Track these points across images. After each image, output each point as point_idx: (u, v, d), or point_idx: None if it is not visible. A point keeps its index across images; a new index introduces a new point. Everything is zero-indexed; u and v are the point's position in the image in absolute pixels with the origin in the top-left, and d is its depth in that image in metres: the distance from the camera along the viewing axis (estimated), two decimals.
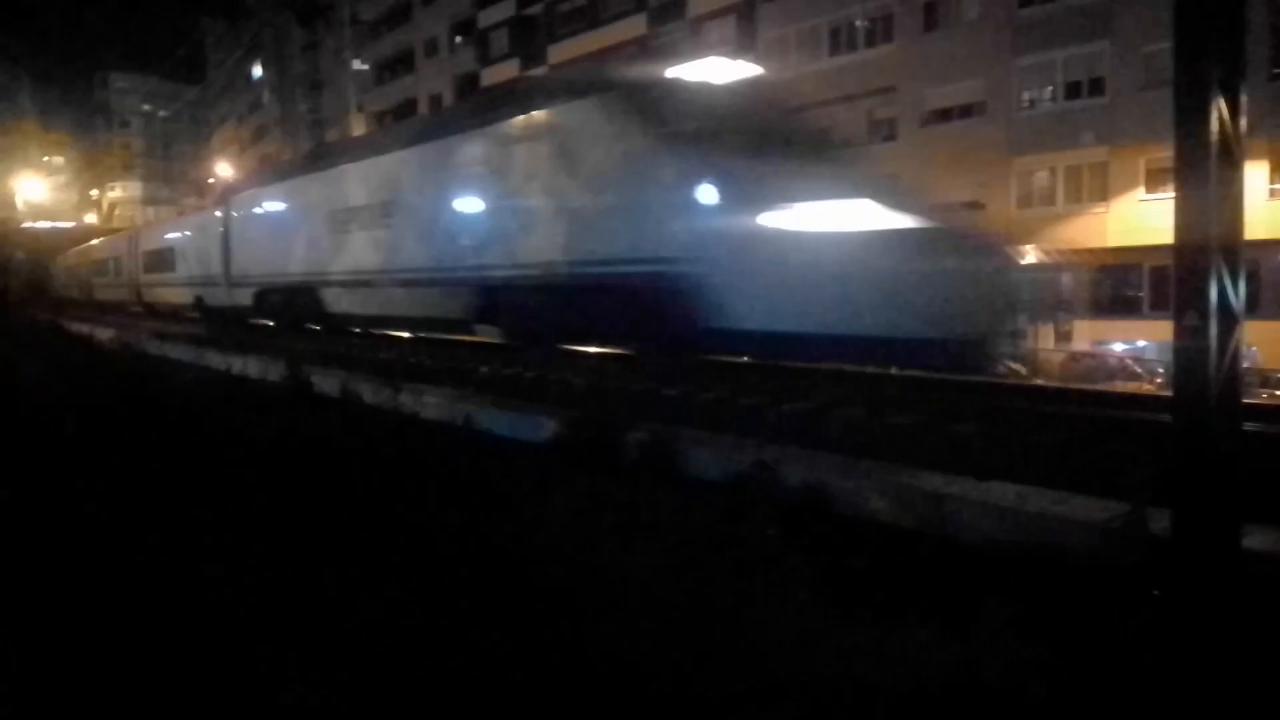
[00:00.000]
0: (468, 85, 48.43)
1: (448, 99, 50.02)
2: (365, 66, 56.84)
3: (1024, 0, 25.19)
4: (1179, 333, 3.81)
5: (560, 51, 42.76)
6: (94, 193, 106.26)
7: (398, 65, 54.80)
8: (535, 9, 44.23)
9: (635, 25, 38.68)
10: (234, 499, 5.19)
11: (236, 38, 77.77)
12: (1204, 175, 3.73)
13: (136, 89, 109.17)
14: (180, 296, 26.79)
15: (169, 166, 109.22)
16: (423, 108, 51.82)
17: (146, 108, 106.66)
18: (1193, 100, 3.76)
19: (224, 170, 66.39)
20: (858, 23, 29.30)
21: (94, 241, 45.05)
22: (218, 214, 22.33)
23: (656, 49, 37.86)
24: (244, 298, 20.15)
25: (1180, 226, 3.83)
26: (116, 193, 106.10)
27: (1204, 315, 3.73)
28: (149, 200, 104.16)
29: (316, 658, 3.20)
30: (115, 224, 76.68)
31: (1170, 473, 3.87)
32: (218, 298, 22.29)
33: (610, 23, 39.91)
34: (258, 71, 74.20)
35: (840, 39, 29.72)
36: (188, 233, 26.42)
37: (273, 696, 2.98)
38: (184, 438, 7.15)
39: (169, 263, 27.86)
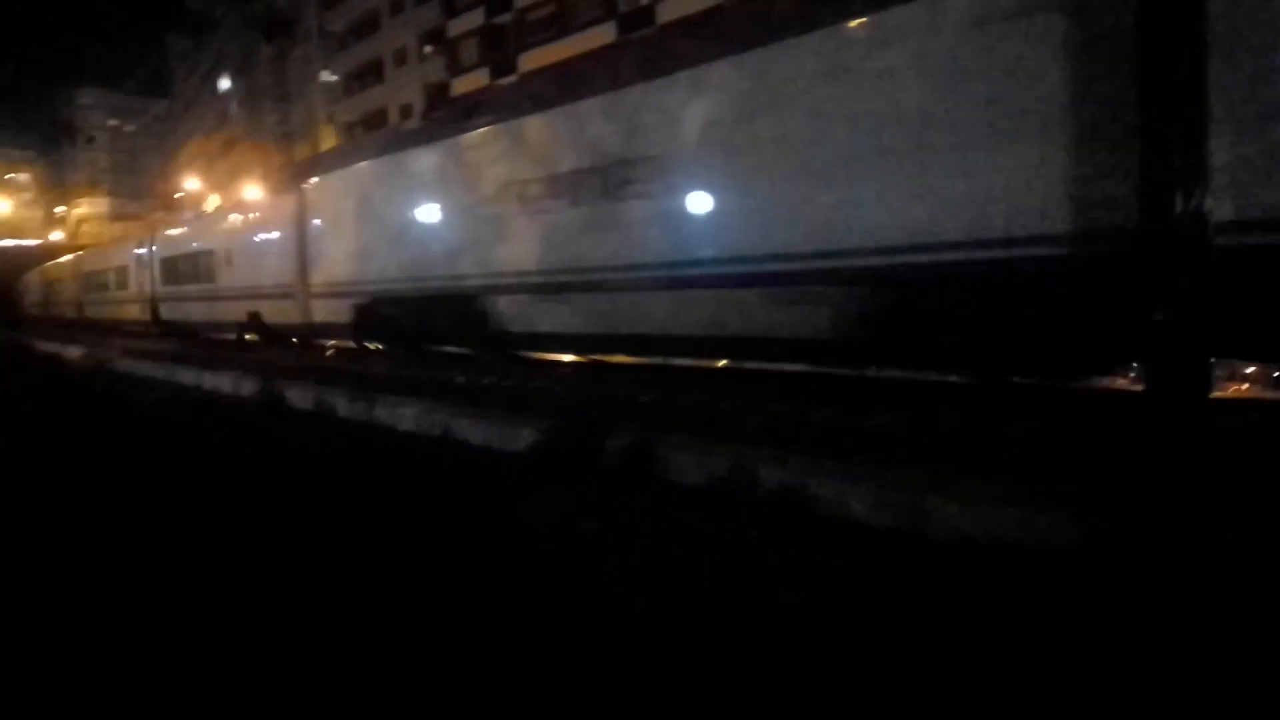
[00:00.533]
0: (438, 95, 48.32)
1: (418, 109, 49.88)
2: (334, 78, 56.54)
3: None
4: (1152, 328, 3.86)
5: (530, 60, 42.74)
6: (60, 209, 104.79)
7: (367, 76, 54.55)
8: (504, 18, 44.21)
9: (604, 34, 38.74)
10: (200, 518, 5.12)
11: (203, 51, 77.14)
12: None
13: (102, 104, 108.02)
14: (220, 313, 21.28)
15: (136, 182, 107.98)
16: (393, 118, 51.63)
17: (113, 123, 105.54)
18: None
19: (191, 184, 65.77)
20: None
21: (83, 251, 40.94)
22: (287, 203, 17.44)
23: None
24: (332, 312, 15.56)
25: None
26: (83, 209, 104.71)
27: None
28: (116, 216, 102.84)
29: (293, 674, 3.16)
30: (82, 241, 75.64)
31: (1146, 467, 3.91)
32: (285, 313, 17.53)
33: (580, 31, 39.96)
34: (225, 84, 73.56)
35: None
36: (235, 230, 20.63)
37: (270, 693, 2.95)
38: (152, 454, 7.06)
39: (202, 270, 22.14)
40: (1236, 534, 3.70)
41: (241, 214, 21.19)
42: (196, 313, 22.99)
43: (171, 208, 64.65)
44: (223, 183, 63.88)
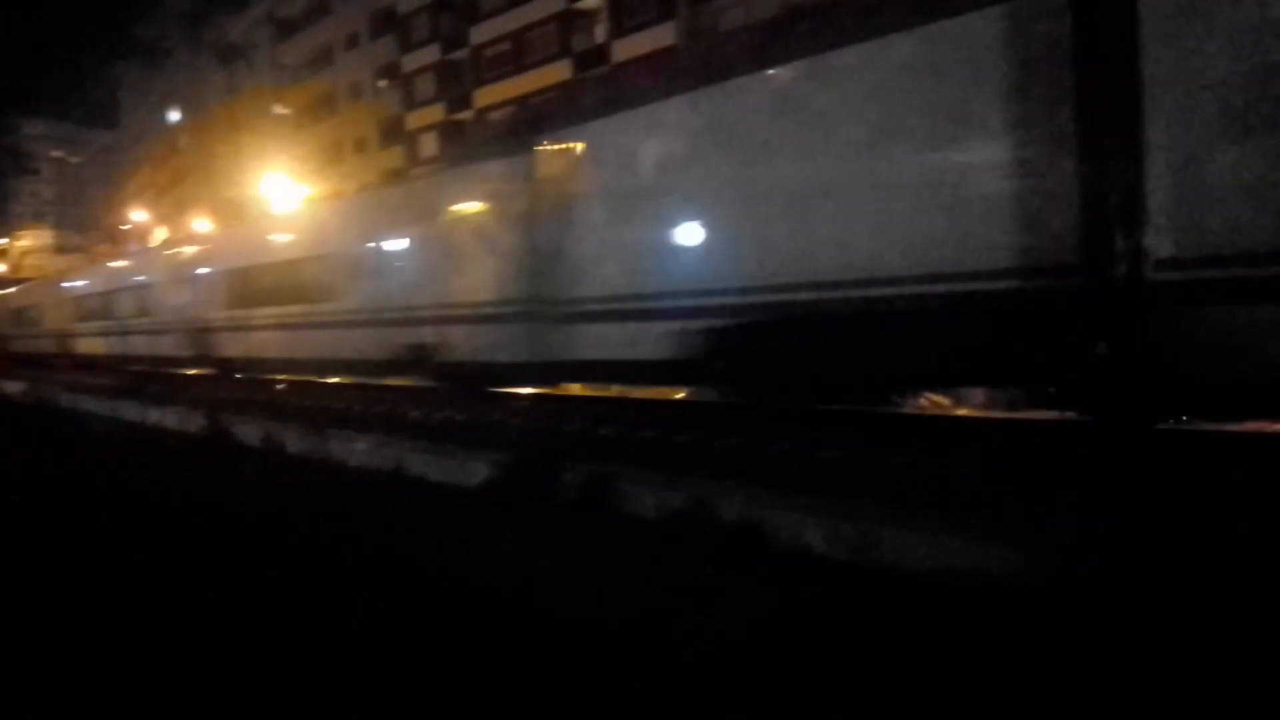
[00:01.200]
0: (393, 129, 48.28)
1: (372, 142, 49.77)
2: (287, 111, 56.21)
3: None
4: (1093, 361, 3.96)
5: (486, 95, 42.93)
6: (1, 241, 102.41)
7: (319, 109, 54.33)
8: (460, 54, 44.40)
9: (560, 70, 39.07)
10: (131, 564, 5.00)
11: (152, 81, 76.26)
12: None
13: (48, 135, 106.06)
14: (336, 345, 16.23)
15: (82, 214, 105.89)
16: (346, 150, 51.46)
17: (58, 154, 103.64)
18: None
19: (139, 216, 64.68)
20: None
21: (57, 274, 38.39)
22: (497, 172, 12.28)
23: None
24: (626, 341, 10.63)
25: None
26: (26, 241, 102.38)
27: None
28: (61, 249, 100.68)
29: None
30: (25, 274, 73.85)
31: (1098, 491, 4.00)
32: (510, 345, 12.15)
33: (535, 67, 40.26)
34: (174, 115, 72.72)
35: None
36: (369, 227, 15.55)
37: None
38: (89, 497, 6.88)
39: (302, 287, 16.91)
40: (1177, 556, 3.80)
41: (374, 203, 16.96)
42: (276, 347, 18.11)
43: (118, 240, 63.46)
44: (171, 215, 62.96)
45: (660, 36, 34.46)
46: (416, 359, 14.20)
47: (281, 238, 19.32)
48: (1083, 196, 6.76)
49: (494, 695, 3.13)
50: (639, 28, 35.38)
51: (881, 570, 4.35)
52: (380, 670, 3.35)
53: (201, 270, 21.95)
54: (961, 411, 9.77)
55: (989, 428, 8.56)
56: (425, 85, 46.89)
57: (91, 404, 15.84)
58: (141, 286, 25.63)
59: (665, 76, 11.34)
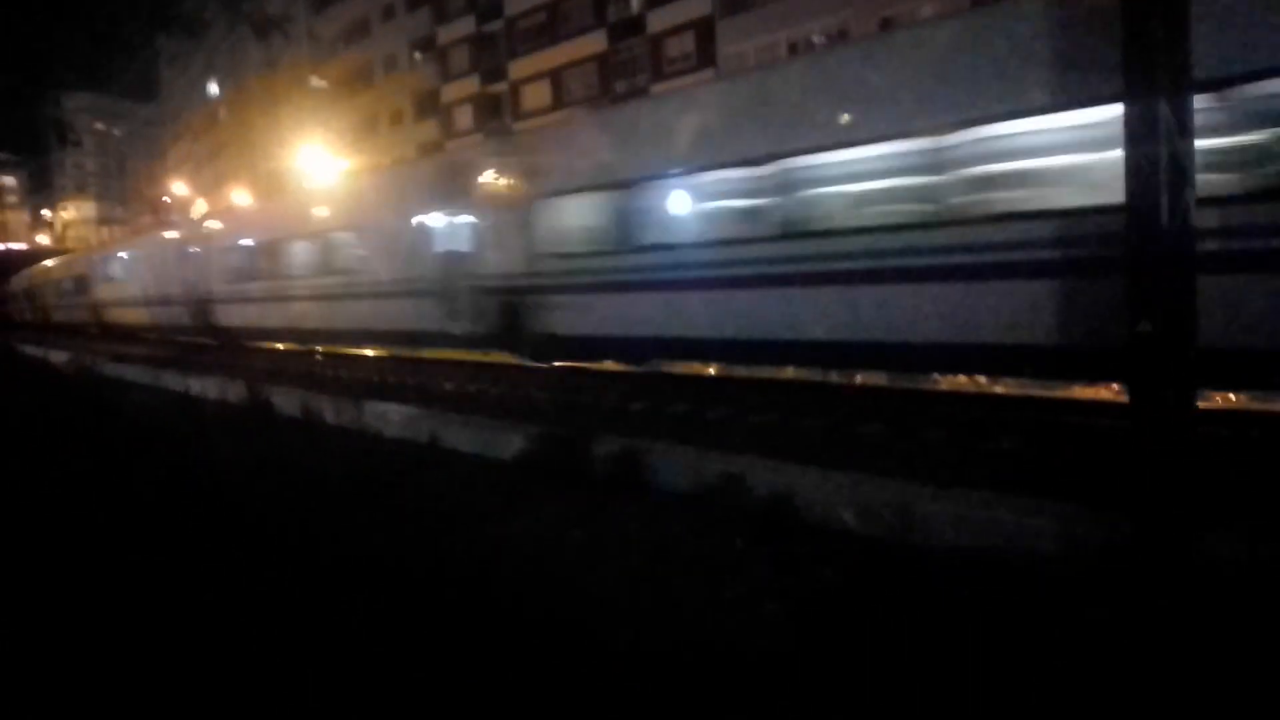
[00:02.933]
0: (428, 102, 48.34)
1: (408, 115, 49.87)
2: (324, 84, 56.44)
3: None
4: (1135, 338, 3.88)
5: (520, 67, 42.85)
6: (46, 213, 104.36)
7: (356, 82, 54.56)
8: (495, 25, 44.29)
9: (595, 42, 38.86)
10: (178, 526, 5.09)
11: (192, 54, 76.88)
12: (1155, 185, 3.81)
13: (90, 107, 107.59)
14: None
15: (123, 185, 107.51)
16: (382, 124, 51.64)
17: (100, 126, 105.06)
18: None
19: (179, 188, 65.47)
20: (815, 38, 29.67)
21: (121, 240, 36.72)
22: None
23: (617, 65, 38.11)
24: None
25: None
26: (70, 213, 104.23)
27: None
28: (103, 220, 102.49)
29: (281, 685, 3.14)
30: (69, 245, 75.33)
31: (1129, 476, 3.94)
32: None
33: (569, 39, 40.07)
34: (214, 88, 73.37)
35: (798, 54, 30.09)
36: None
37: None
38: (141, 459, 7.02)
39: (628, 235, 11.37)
40: (1217, 544, 3.73)
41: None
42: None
43: (159, 212, 64.31)
44: (210, 188, 63.69)
45: (696, 7, 34.12)
46: None
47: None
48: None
49: (517, 674, 3.16)
50: None
51: (917, 547, 4.32)
52: (408, 638, 3.39)
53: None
54: (1000, 389, 9.66)
55: (1030, 405, 8.46)
56: (460, 58, 46.87)
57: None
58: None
59: None
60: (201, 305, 23.25)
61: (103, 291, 31.58)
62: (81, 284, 34.47)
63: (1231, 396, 7.98)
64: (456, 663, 3.20)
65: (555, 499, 5.46)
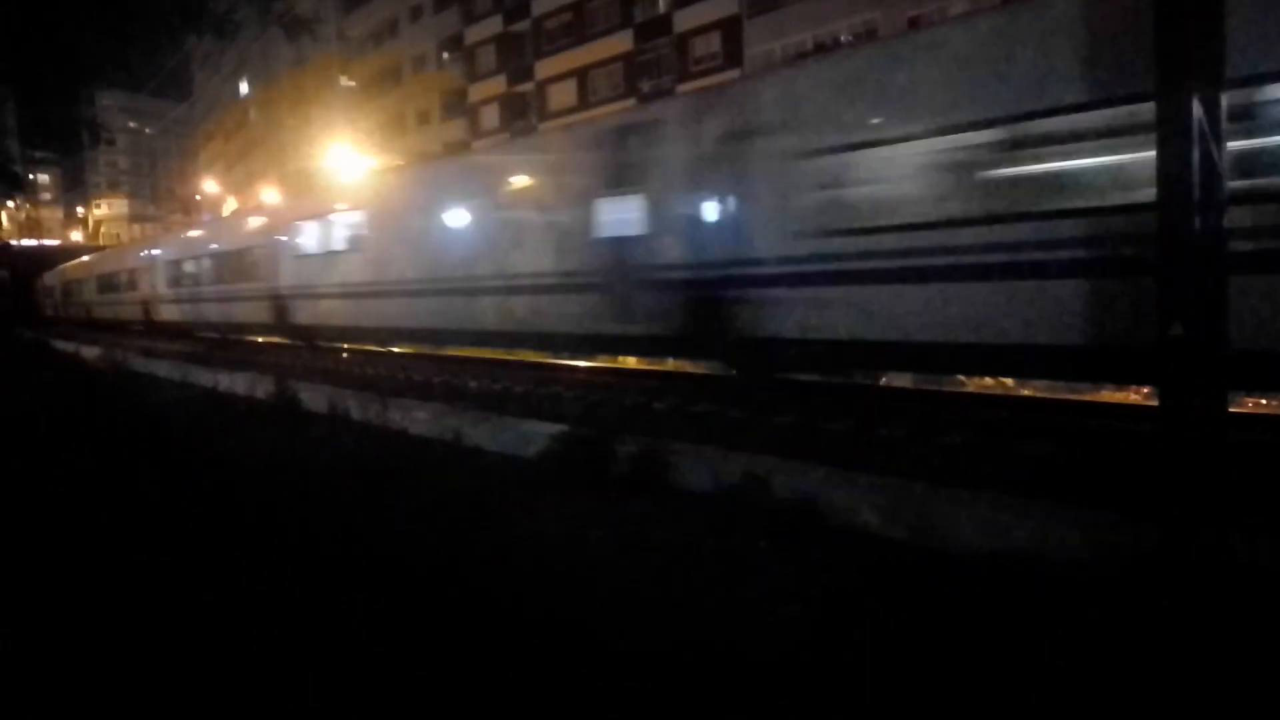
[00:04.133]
0: (455, 101, 48.59)
1: (435, 115, 50.15)
2: (353, 83, 56.88)
3: None
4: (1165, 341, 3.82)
5: (546, 67, 42.95)
6: (79, 210, 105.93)
7: (385, 81, 54.90)
8: (521, 25, 44.42)
9: (621, 41, 38.89)
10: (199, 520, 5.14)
11: (223, 54, 77.71)
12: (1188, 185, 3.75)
13: (123, 106, 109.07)
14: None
15: (155, 184, 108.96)
16: (410, 123, 51.94)
17: (133, 125, 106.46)
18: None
19: (210, 187, 66.27)
20: (843, 37, 29.51)
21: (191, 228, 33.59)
22: None
23: (643, 65, 38.12)
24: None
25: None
26: (103, 210, 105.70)
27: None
28: (135, 218, 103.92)
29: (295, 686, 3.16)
30: (102, 242, 76.31)
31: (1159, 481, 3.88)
32: None
33: (596, 39, 40.12)
34: (245, 88, 74.10)
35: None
36: None
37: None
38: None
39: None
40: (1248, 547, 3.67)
41: None
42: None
43: (191, 210, 65.07)
44: (241, 186, 64.32)
45: (724, 6, 34.05)
46: None
47: None
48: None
49: (534, 672, 3.16)
50: None
51: (942, 551, 4.28)
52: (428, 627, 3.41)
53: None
54: (1026, 391, 9.56)
55: (1053, 407, 8.37)
56: (487, 57, 47.06)
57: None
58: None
59: None
60: (282, 301, 20.12)
61: (157, 287, 29.35)
62: (130, 279, 32.31)
63: (1264, 401, 7.85)
64: (473, 661, 3.20)
65: (576, 498, 5.46)
